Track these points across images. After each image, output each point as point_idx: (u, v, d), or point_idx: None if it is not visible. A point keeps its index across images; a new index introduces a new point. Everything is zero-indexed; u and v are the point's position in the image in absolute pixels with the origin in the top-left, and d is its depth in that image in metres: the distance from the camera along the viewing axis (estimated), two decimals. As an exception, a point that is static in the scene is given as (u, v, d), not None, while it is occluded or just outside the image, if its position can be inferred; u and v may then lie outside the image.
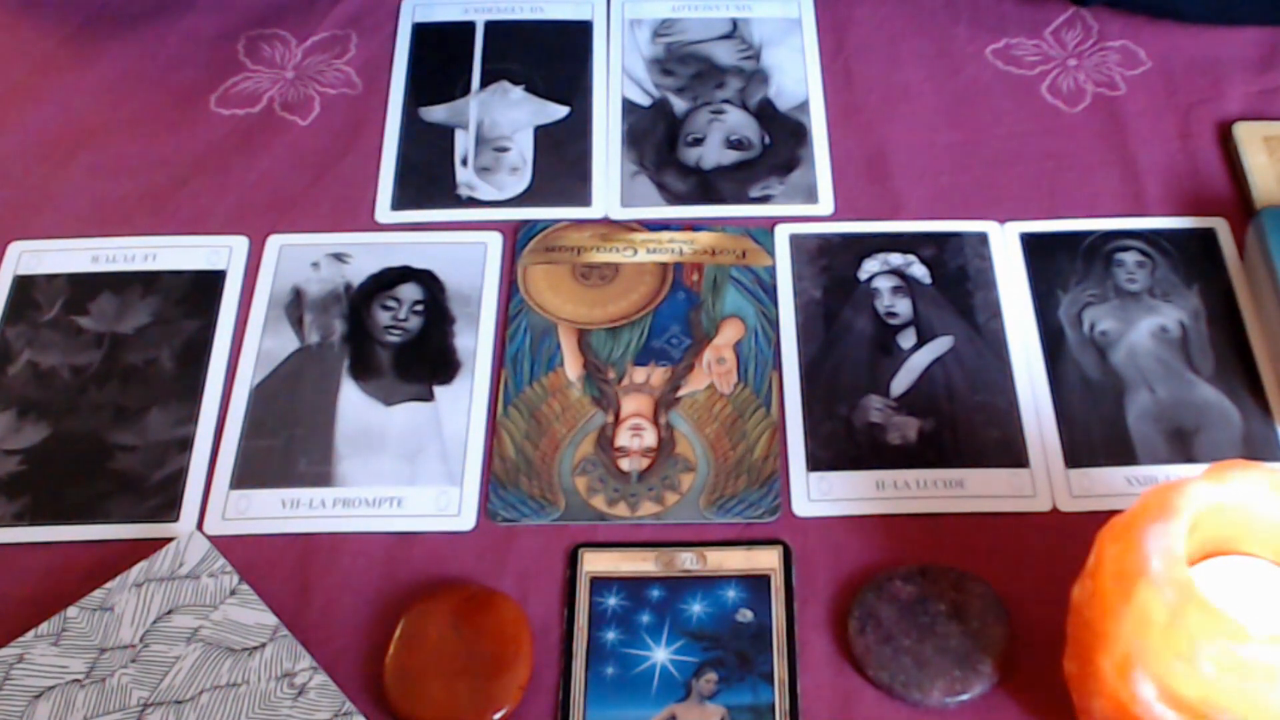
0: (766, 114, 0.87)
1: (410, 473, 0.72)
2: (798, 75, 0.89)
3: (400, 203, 0.83)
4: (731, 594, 0.67)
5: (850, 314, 0.77)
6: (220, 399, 0.75)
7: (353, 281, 0.79)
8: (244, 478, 0.72)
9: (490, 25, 0.92)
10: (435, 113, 0.87)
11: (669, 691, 0.64)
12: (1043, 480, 0.71)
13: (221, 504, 0.71)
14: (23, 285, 0.79)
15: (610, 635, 0.66)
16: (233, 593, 0.65)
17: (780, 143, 0.85)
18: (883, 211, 0.82)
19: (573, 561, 0.68)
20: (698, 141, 0.85)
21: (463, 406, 0.74)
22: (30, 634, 0.64)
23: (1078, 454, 0.72)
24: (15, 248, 0.81)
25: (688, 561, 0.68)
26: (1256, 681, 0.53)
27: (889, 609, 0.65)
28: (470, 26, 0.92)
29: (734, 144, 0.85)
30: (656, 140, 0.85)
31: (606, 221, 0.82)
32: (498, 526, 0.70)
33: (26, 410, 0.74)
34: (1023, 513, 0.70)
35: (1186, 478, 0.58)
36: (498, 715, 0.63)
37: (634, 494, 0.71)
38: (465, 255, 0.80)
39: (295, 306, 0.78)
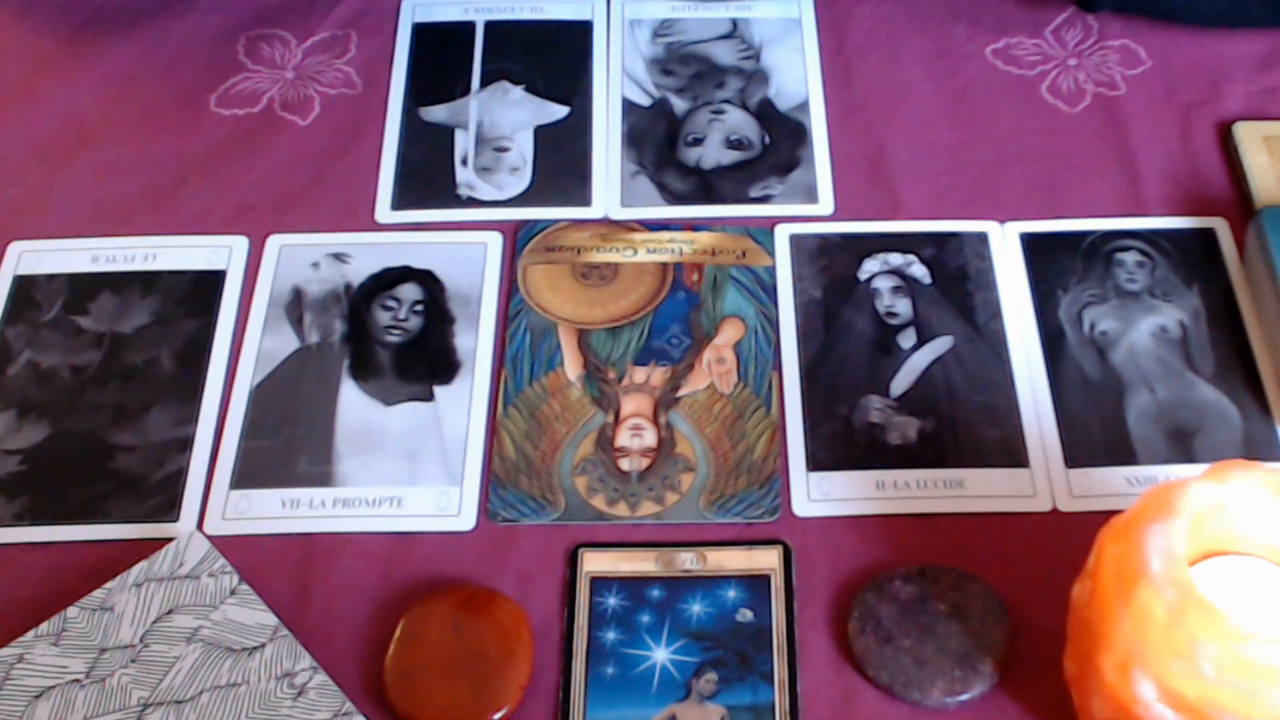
0: (766, 114, 0.87)
1: (410, 473, 0.72)
2: (798, 75, 0.89)
3: (400, 203, 0.83)
4: (731, 594, 0.67)
5: (850, 314, 0.77)
6: (220, 399, 0.75)
7: (353, 281, 0.79)
8: (244, 478, 0.72)
9: (490, 25, 0.92)
10: (435, 113, 0.87)
11: (669, 691, 0.64)
12: (1043, 480, 0.71)
13: (221, 504, 0.71)
14: (23, 285, 0.79)
15: (610, 635, 0.66)
16: (233, 593, 0.65)
17: (780, 143, 0.85)
18: (883, 211, 0.82)
19: (573, 561, 0.68)
20: (698, 141, 0.85)
21: (463, 406, 0.74)
22: (30, 634, 0.64)
23: (1078, 454, 0.72)
24: (15, 248, 0.81)
25: (688, 561, 0.68)
26: (1256, 681, 0.53)
27: (889, 609, 0.65)
28: (470, 26, 0.92)
29: (734, 144, 0.85)
30: (656, 140, 0.85)
31: (606, 221, 0.82)
32: (498, 526, 0.70)
33: (26, 410, 0.74)
34: (1023, 513, 0.70)
35: (1186, 478, 0.58)
36: (498, 715, 0.63)
37: (634, 494, 0.71)
38: (465, 255, 0.80)
39: (295, 306, 0.78)
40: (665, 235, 0.81)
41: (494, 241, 0.81)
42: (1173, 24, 0.89)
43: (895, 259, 0.79)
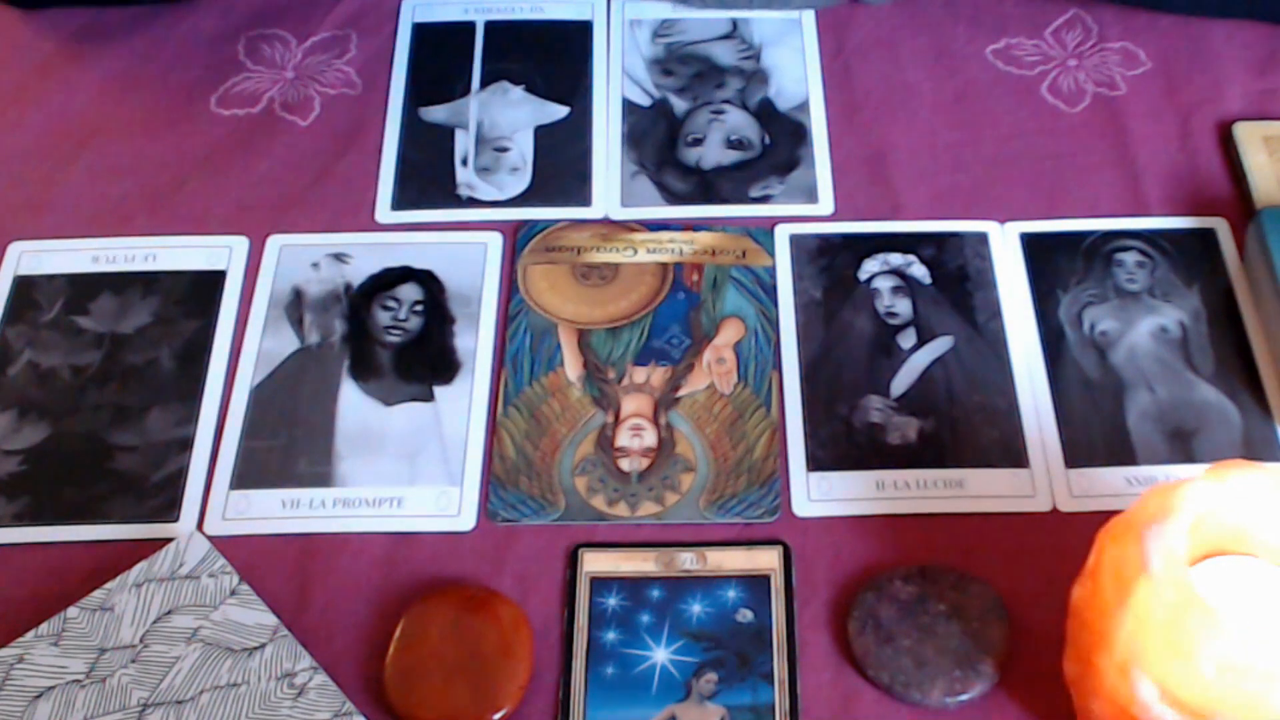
0: (766, 114, 0.87)
1: (410, 473, 0.72)
2: (798, 75, 0.89)
3: (400, 203, 0.83)
4: (731, 594, 0.67)
5: (850, 314, 0.77)
6: (220, 399, 0.75)
7: (353, 281, 0.79)
8: (244, 478, 0.72)
9: (490, 25, 0.92)
10: (435, 113, 0.87)
11: (669, 691, 0.64)
12: (1043, 480, 0.71)
13: (221, 504, 0.71)
14: (23, 285, 0.79)
15: (610, 635, 0.66)
16: (233, 593, 0.65)
17: (780, 143, 0.85)
18: (883, 211, 0.82)
19: (573, 561, 0.68)
20: (698, 141, 0.85)
21: (463, 406, 0.74)
22: (30, 634, 0.64)
23: (1078, 454, 0.72)
24: (15, 248, 0.81)
25: (688, 561, 0.68)
26: (1256, 682, 0.53)
27: (889, 609, 0.65)
28: (470, 26, 0.92)
29: (734, 144, 0.85)
30: (656, 140, 0.85)
31: (606, 221, 0.82)
32: (498, 526, 0.70)
33: (27, 410, 0.74)
34: (1023, 513, 0.70)
35: (1186, 478, 0.58)
36: (498, 715, 0.63)
37: (634, 494, 0.71)
38: (465, 255, 0.80)
39: (295, 306, 0.78)
40: (665, 235, 0.81)
41: (494, 241, 0.81)
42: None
43: (895, 259, 0.79)
